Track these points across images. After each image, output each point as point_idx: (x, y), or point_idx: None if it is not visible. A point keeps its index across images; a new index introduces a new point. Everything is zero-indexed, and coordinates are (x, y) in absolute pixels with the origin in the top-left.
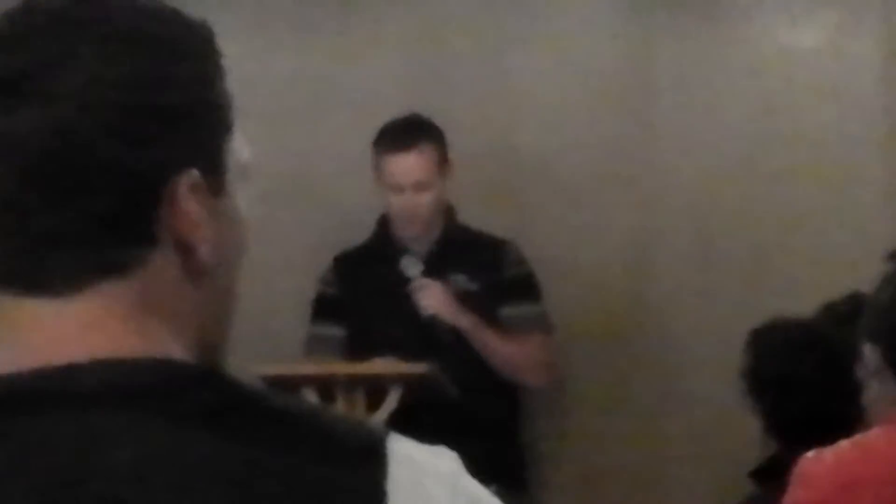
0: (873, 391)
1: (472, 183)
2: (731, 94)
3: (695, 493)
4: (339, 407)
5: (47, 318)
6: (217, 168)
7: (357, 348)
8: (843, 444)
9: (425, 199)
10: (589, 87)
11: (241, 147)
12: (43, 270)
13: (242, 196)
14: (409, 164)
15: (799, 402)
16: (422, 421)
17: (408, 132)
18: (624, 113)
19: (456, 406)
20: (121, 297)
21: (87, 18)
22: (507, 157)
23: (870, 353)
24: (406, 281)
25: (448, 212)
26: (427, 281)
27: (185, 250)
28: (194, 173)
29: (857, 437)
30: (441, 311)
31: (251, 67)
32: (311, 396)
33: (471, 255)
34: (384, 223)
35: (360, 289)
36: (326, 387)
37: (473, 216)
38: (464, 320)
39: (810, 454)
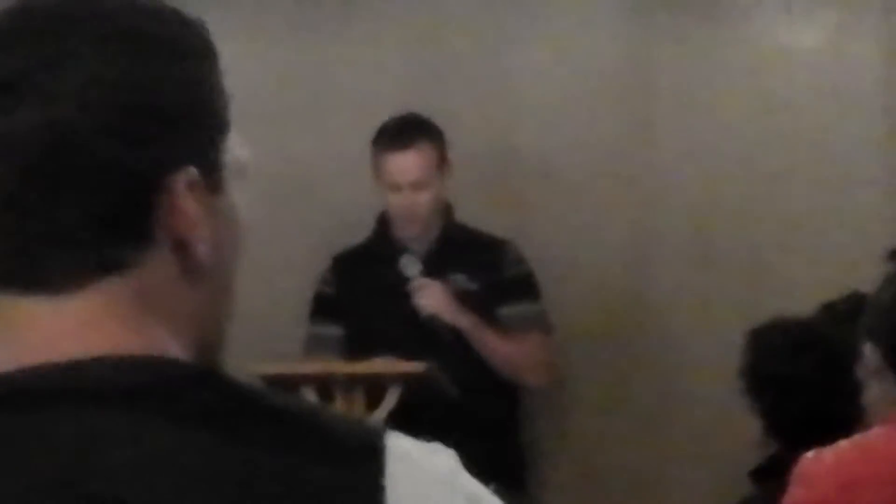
0: (873, 391)
1: (471, 183)
2: (730, 94)
3: (695, 493)
4: (339, 406)
5: (46, 317)
6: (214, 167)
7: (356, 348)
8: (843, 443)
9: (423, 198)
10: (589, 86)
11: (237, 146)
12: (41, 269)
13: (239, 195)
14: (407, 163)
15: (798, 402)
16: (421, 420)
17: (406, 131)
18: (624, 113)
19: (455, 405)
20: (119, 295)
21: (86, 17)
22: (507, 157)
23: (870, 353)
24: (405, 280)
25: (447, 211)
26: (426, 280)
27: (183, 249)
28: (192, 172)
29: (857, 437)
30: (440, 311)
31: (251, 67)
32: (310, 396)
33: (470, 254)
34: (383, 223)
35: (359, 288)
36: (326, 386)
37: (473, 216)
38: (463, 320)
39: (810, 454)
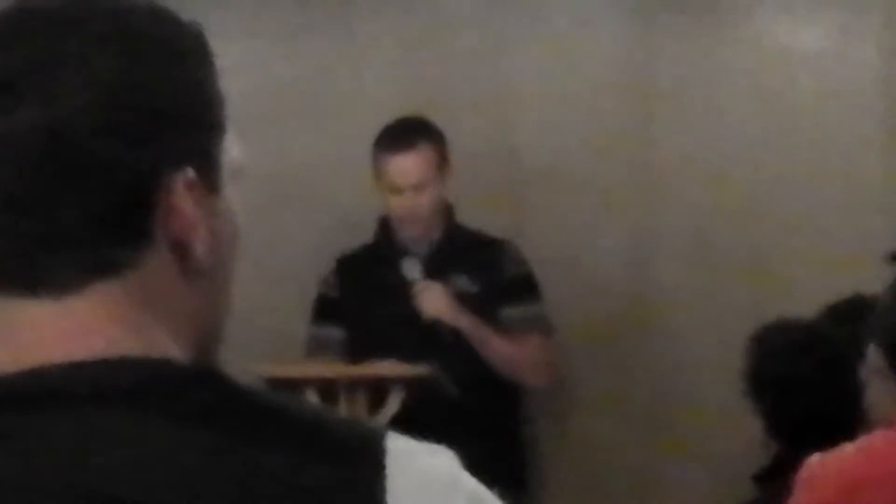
0: (875, 392)
1: (472, 183)
2: (731, 94)
3: (695, 493)
4: (341, 408)
5: (45, 319)
6: (212, 167)
7: (358, 350)
8: (847, 447)
9: (424, 200)
10: (589, 87)
11: (234, 147)
12: (41, 271)
13: (236, 196)
14: (407, 165)
15: (800, 404)
16: (423, 422)
17: (407, 133)
18: (624, 113)
19: (456, 407)
20: (118, 296)
21: (85, 18)
22: (508, 158)
23: (873, 354)
24: (407, 283)
25: (448, 212)
26: (428, 283)
27: (181, 249)
28: (190, 172)
29: (860, 441)
30: (442, 313)
31: (252, 68)
32: (313, 398)
33: (471, 256)
34: (385, 225)
35: (361, 291)
36: (328, 388)
37: (473, 216)
38: (464, 321)
39: (814, 458)
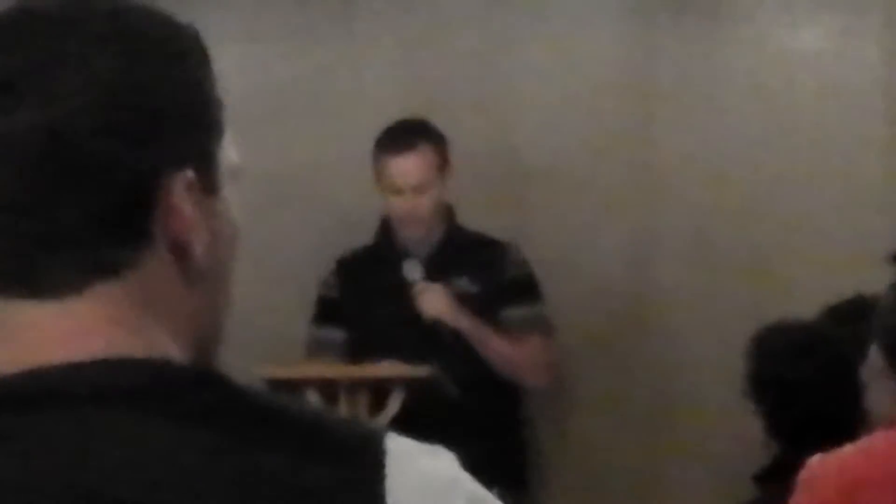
0: (877, 392)
1: (472, 184)
2: (731, 94)
3: (695, 494)
4: (342, 409)
5: (45, 320)
6: (211, 168)
7: (358, 351)
8: (847, 448)
9: (425, 202)
10: (589, 87)
11: (232, 148)
12: (40, 272)
13: (234, 197)
14: (408, 167)
15: (801, 405)
16: (423, 423)
17: (407, 134)
18: (625, 113)
19: (457, 407)
20: (117, 297)
21: (84, 19)
22: (508, 158)
23: (875, 354)
24: (408, 284)
25: (449, 214)
26: (428, 284)
27: (181, 250)
28: (189, 173)
29: (861, 441)
30: (442, 314)
31: (252, 68)
32: (313, 398)
33: (472, 257)
34: (386, 226)
35: (362, 292)
36: (329, 389)
37: (474, 217)
38: (465, 322)
39: (814, 459)
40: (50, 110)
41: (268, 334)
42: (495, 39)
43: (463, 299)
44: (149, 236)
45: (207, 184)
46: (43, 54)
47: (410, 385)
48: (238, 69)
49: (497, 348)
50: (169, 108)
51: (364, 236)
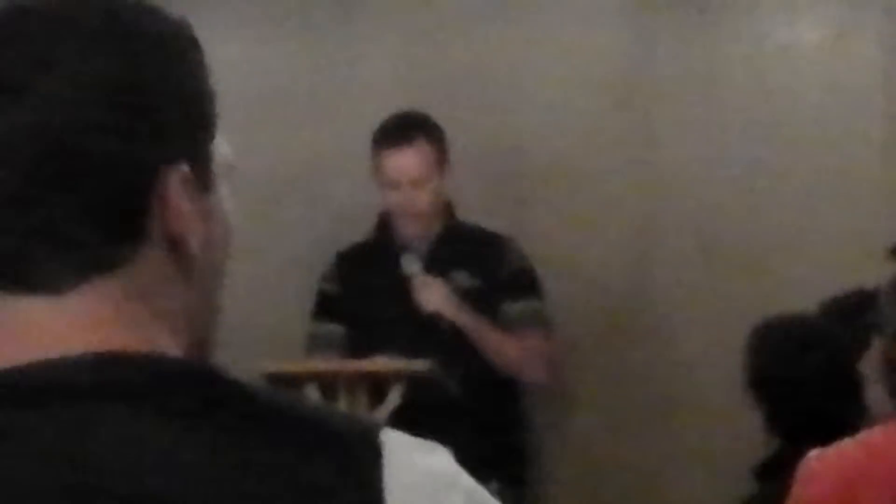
0: (878, 386)
1: (472, 181)
2: (732, 91)
3: (696, 491)
4: (342, 404)
5: (42, 316)
6: (205, 164)
7: (358, 346)
8: (846, 442)
9: (423, 196)
10: (590, 85)
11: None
12: (37, 268)
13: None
14: (405, 161)
15: (800, 400)
16: (423, 418)
17: (405, 129)
18: (626, 110)
19: (457, 403)
20: (114, 293)
21: (78, 17)
22: (508, 156)
23: (876, 348)
24: (406, 278)
25: (448, 209)
26: (428, 278)
27: (176, 246)
28: (184, 168)
29: (861, 435)
30: (441, 309)
31: (252, 68)
32: (313, 393)
33: (471, 251)
34: (384, 221)
35: (361, 286)
36: (329, 384)
37: (474, 213)
38: (464, 317)
39: (814, 453)
40: (45, 109)
41: (267, 330)
42: (495, 39)
43: (462, 294)
44: (145, 232)
45: (202, 179)
46: (37, 53)
47: (410, 380)
48: (238, 67)
49: (496, 343)
50: (164, 104)
51: (365, 233)
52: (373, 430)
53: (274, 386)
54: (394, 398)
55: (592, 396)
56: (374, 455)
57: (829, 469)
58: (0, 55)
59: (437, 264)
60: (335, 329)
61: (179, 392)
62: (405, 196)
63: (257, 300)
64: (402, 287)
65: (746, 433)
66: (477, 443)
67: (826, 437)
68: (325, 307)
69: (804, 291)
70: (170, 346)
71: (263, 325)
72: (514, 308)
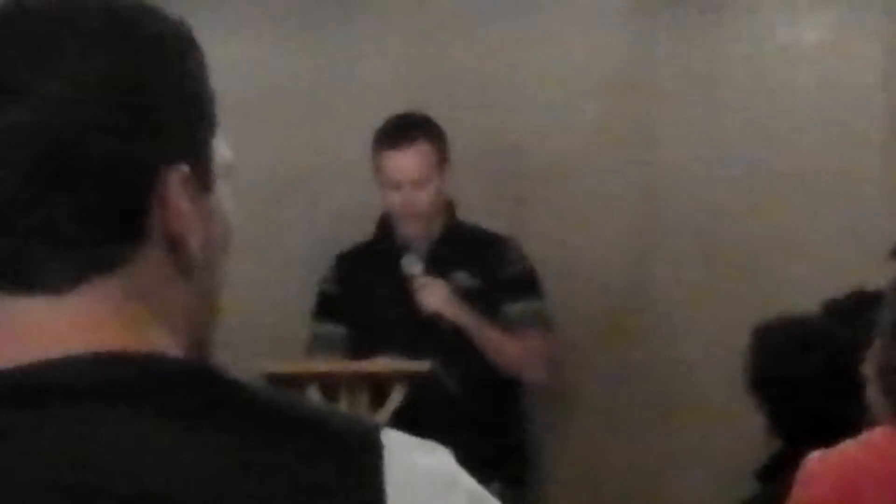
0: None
1: (472, 182)
2: (732, 91)
3: (696, 491)
4: (343, 405)
5: (42, 316)
6: (204, 164)
7: (359, 346)
8: (847, 443)
9: (423, 196)
10: (590, 85)
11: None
12: (37, 268)
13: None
14: (406, 161)
15: (802, 400)
16: (423, 418)
17: (405, 129)
18: (626, 110)
19: (457, 403)
20: (114, 292)
21: (76, 16)
22: (508, 156)
23: (875, 348)
24: (407, 279)
25: (449, 209)
26: (428, 279)
27: (176, 246)
28: (184, 168)
29: (862, 436)
30: (442, 309)
31: (252, 68)
32: (314, 395)
33: (472, 252)
34: (385, 221)
35: (362, 287)
36: (330, 385)
37: (474, 213)
38: (465, 317)
39: (814, 455)
40: (44, 109)
41: (267, 330)
42: (495, 38)
43: (462, 294)
44: (145, 232)
45: (202, 179)
46: (36, 52)
47: (411, 380)
48: (238, 67)
49: (496, 343)
50: (163, 103)
51: (366, 233)
52: (373, 431)
53: (274, 386)
54: (395, 399)
55: (592, 396)
56: (374, 455)
57: (830, 470)
58: (0, 55)
59: (438, 264)
60: (336, 330)
61: (179, 392)
62: (406, 196)
63: (257, 300)
64: (402, 287)
65: (747, 433)
66: (477, 443)
67: (827, 437)
68: (326, 308)
69: (804, 291)
70: (170, 346)
71: (263, 325)
72: (514, 308)
